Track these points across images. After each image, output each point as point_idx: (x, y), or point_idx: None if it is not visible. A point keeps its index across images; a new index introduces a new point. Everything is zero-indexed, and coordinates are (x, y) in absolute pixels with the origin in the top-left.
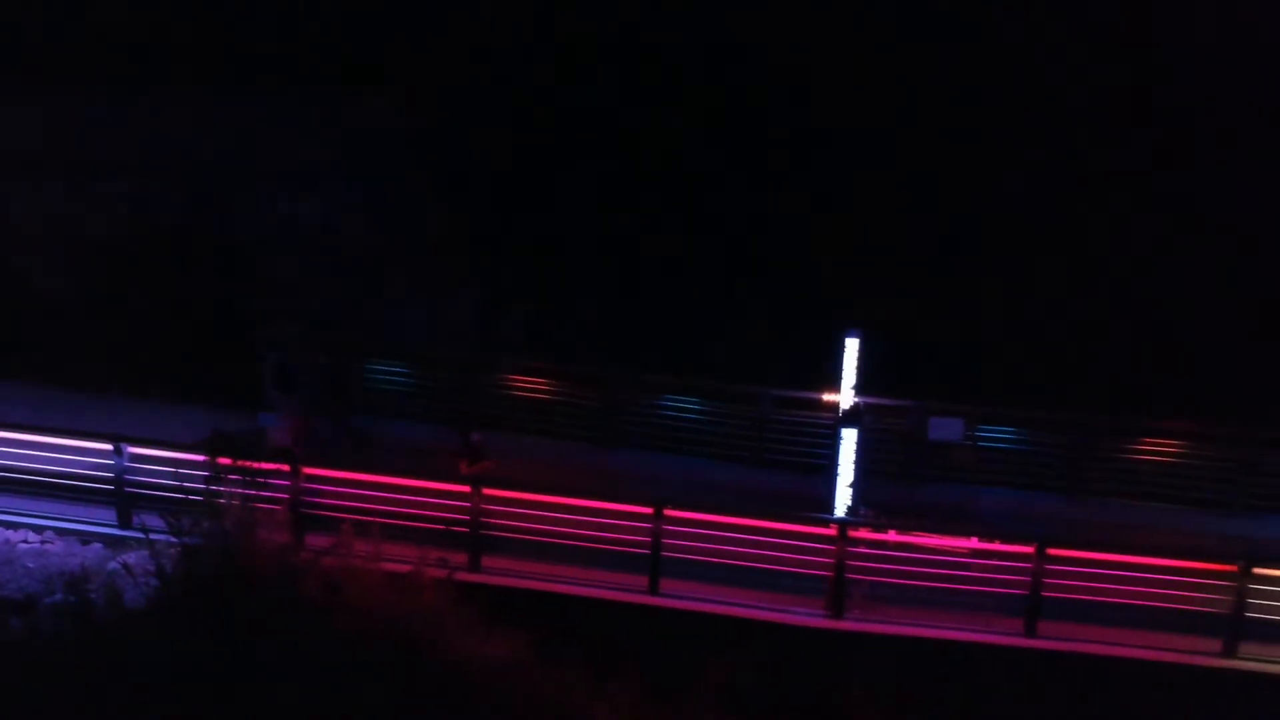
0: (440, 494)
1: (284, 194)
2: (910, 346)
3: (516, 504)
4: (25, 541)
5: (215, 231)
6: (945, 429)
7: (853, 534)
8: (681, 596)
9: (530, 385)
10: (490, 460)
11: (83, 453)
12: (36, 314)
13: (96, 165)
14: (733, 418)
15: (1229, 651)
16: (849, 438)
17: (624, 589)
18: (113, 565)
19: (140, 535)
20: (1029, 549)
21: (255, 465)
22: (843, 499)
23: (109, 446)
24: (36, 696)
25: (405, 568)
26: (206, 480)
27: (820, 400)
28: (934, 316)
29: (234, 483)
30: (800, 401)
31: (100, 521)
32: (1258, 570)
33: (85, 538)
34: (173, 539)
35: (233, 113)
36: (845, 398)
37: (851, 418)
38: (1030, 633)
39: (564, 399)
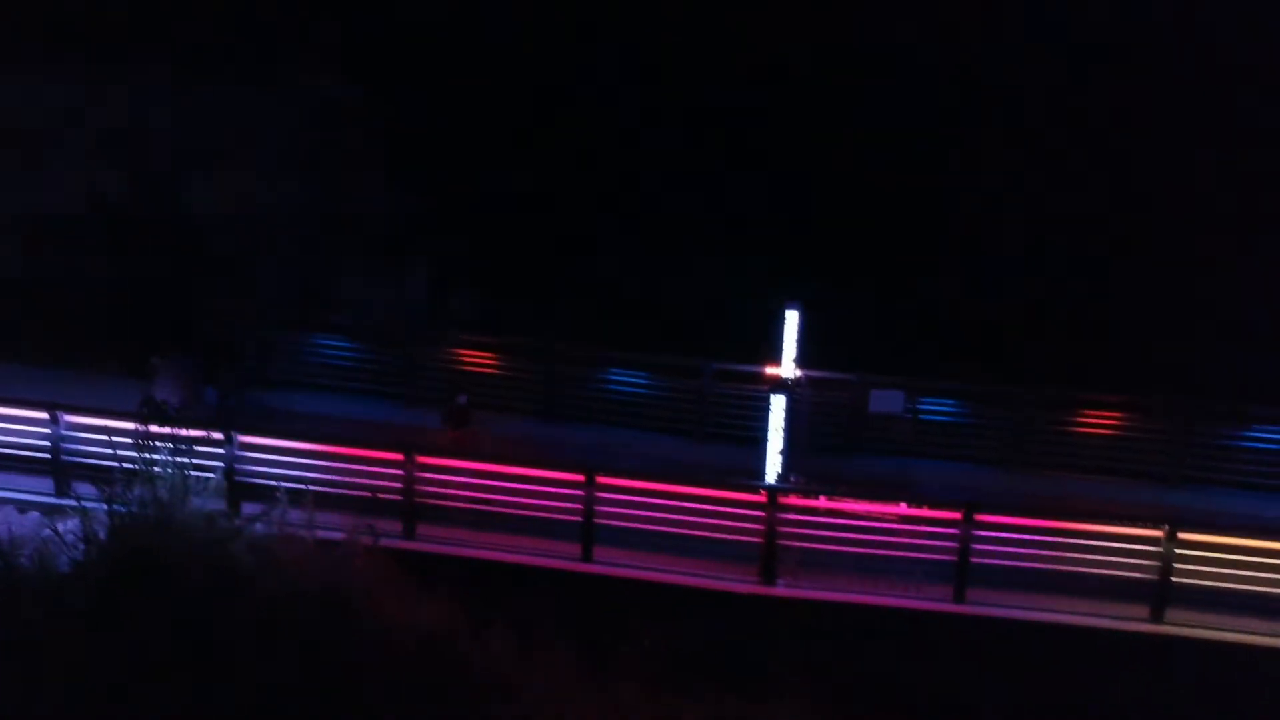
0: (374, 462)
1: (229, 170)
2: (854, 321)
3: (450, 472)
4: None
5: (161, 208)
6: (886, 401)
7: (782, 500)
8: (614, 564)
9: (473, 359)
10: (476, 425)
11: (23, 423)
12: None
13: (42, 143)
14: (675, 391)
15: (1156, 617)
16: (778, 405)
17: (557, 556)
18: (45, 533)
19: (73, 503)
20: (957, 514)
21: (187, 433)
22: (773, 466)
23: (45, 415)
24: None
25: (338, 535)
26: (139, 448)
27: (762, 373)
28: (879, 291)
29: (166, 450)
30: (742, 375)
31: (38, 491)
32: (1183, 535)
33: (23, 506)
34: (107, 506)
35: (176, 89)
36: (786, 370)
37: (781, 386)
38: (959, 599)
39: (507, 373)
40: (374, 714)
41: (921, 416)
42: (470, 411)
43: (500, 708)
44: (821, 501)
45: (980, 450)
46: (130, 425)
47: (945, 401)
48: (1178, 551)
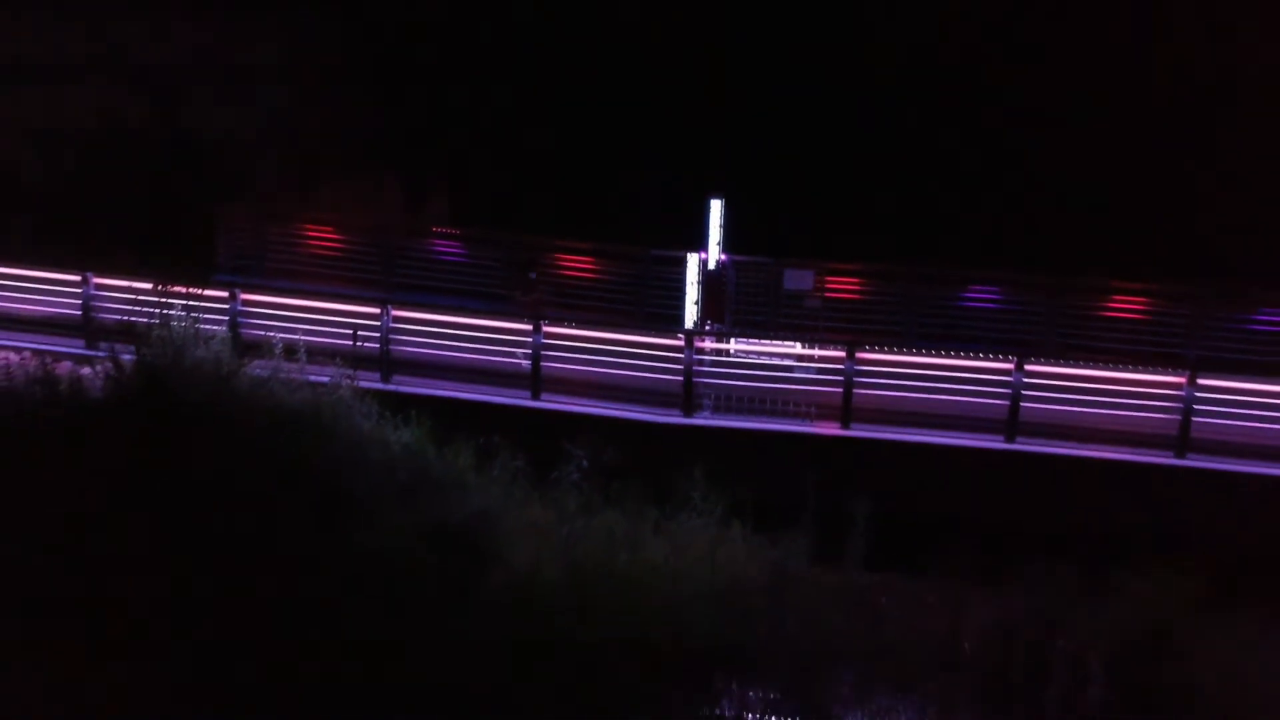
0: (356, 315)
1: (232, 94)
2: (777, 210)
3: (423, 324)
4: (5, 360)
5: (171, 127)
6: (798, 279)
7: (698, 342)
8: (557, 402)
9: (445, 250)
10: (541, 293)
11: (57, 296)
12: (13, 202)
13: (63, 69)
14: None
15: None
16: (693, 263)
17: (511, 396)
18: (81, 370)
19: (104, 354)
20: (841, 352)
21: (199, 292)
22: (690, 316)
23: (78, 277)
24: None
25: (325, 379)
26: (157, 306)
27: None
28: (801, 182)
29: (181, 307)
30: (676, 259)
31: (71, 346)
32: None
33: (58, 357)
34: (129, 352)
35: (183, 23)
36: (711, 256)
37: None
38: (844, 423)
39: (472, 260)
40: (354, 505)
41: (827, 293)
42: (538, 283)
43: (460, 503)
44: (731, 344)
45: (879, 325)
46: (149, 286)
47: (849, 281)
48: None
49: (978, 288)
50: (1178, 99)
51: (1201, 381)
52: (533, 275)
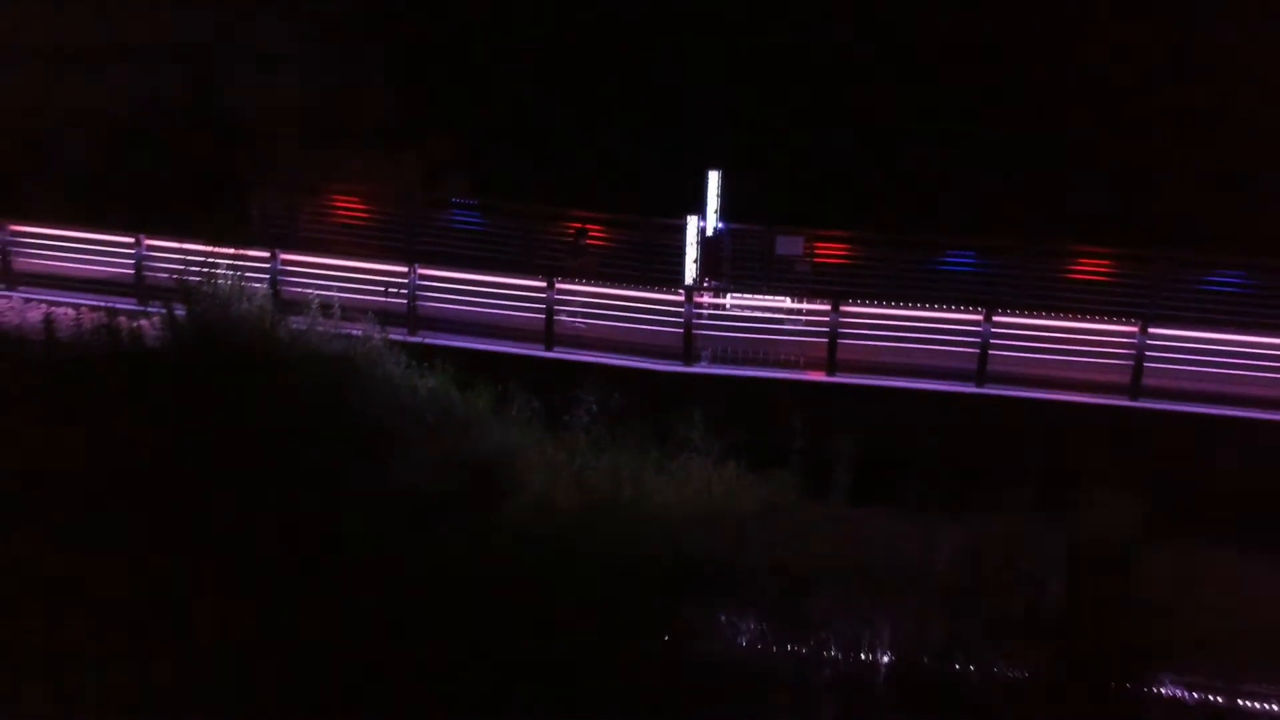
0: (386, 274)
1: (264, 75)
2: (770, 181)
3: (446, 281)
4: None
5: (206, 105)
6: (789, 245)
7: (697, 297)
8: (569, 352)
9: (462, 219)
10: (590, 255)
11: (110, 257)
12: (60, 176)
13: (103, 50)
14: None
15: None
16: (692, 225)
17: (527, 347)
18: (135, 323)
19: (157, 310)
20: (827, 304)
21: (242, 252)
22: (690, 273)
23: (131, 239)
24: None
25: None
26: (204, 266)
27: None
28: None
29: (227, 266)
30: (677, 227)
31: (125, 303)
32: None
33: (114, 312)
34: (180, 308)
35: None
36: (709, 224)
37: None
38: (829, 370)
39: (493, 232)
40: (388, 440)
41: (816, 258)
42: (587, 246)
43: (481, 440)
44: (728, 298)
45: (864, 286)
46: (197, 247)
47: (838, 246)
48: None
49: (954, 252)
50: (1142, 72)
51: (1152, 330)
52: (583, 242)
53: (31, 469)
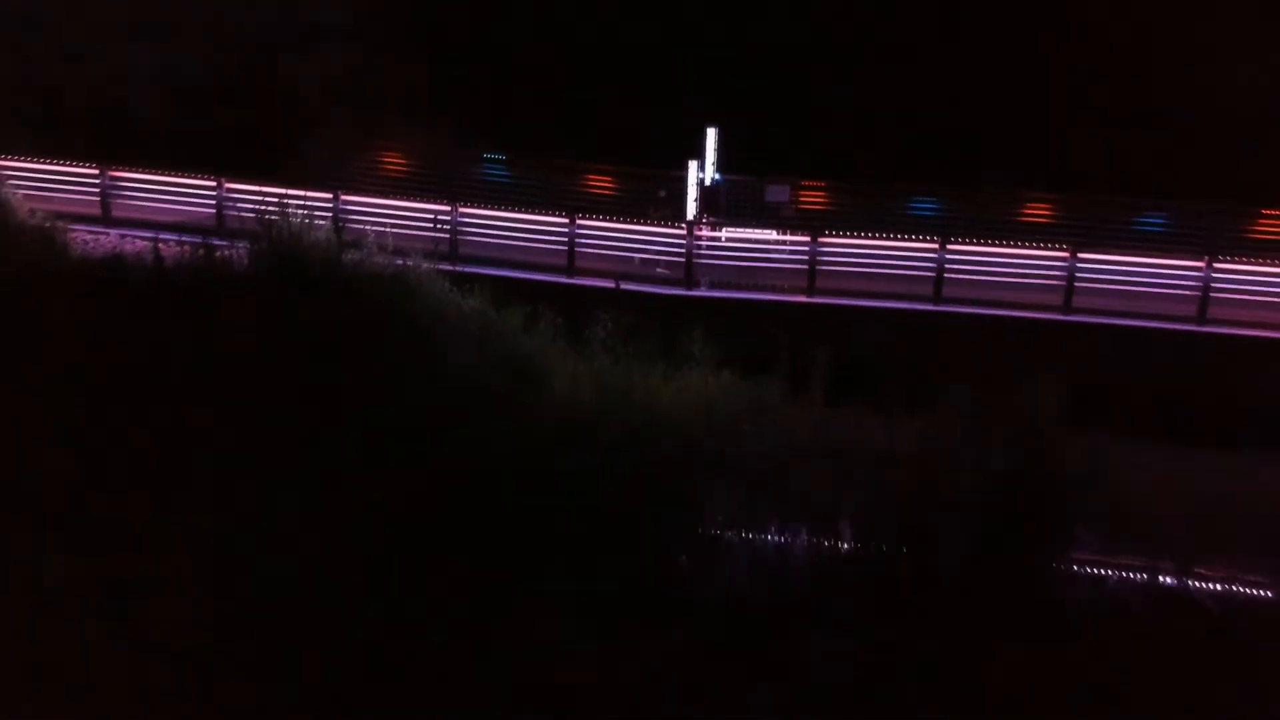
0: (432, 212)
1: (317, 47)
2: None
3: (482, 218)
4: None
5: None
6: (777, 193)
7: (697, 230)
8: (588, 276)
9: (490, 173)
10: (667, 208)
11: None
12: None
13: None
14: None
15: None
16: (693, 170)
17: (551, 274)
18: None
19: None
20: (807, 236)
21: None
22: (691, 210)
23: (213, 182)
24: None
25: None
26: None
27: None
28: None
29: (294, 208)
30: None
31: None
32: None
33: (203, 246)
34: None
35: None
36: (707, 175)
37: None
38: (809, 292)
39: (518, 182)
40: (439, 346)
41: (801, 204)
42: (667, 199)
43: (516, 349)
44: (724, 231)
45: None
46: (271, 189)
47: (819, 192)
48: None
49: (919, 198)
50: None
51: (1081, 255)
52: (662, 194)
53: (158, 359)
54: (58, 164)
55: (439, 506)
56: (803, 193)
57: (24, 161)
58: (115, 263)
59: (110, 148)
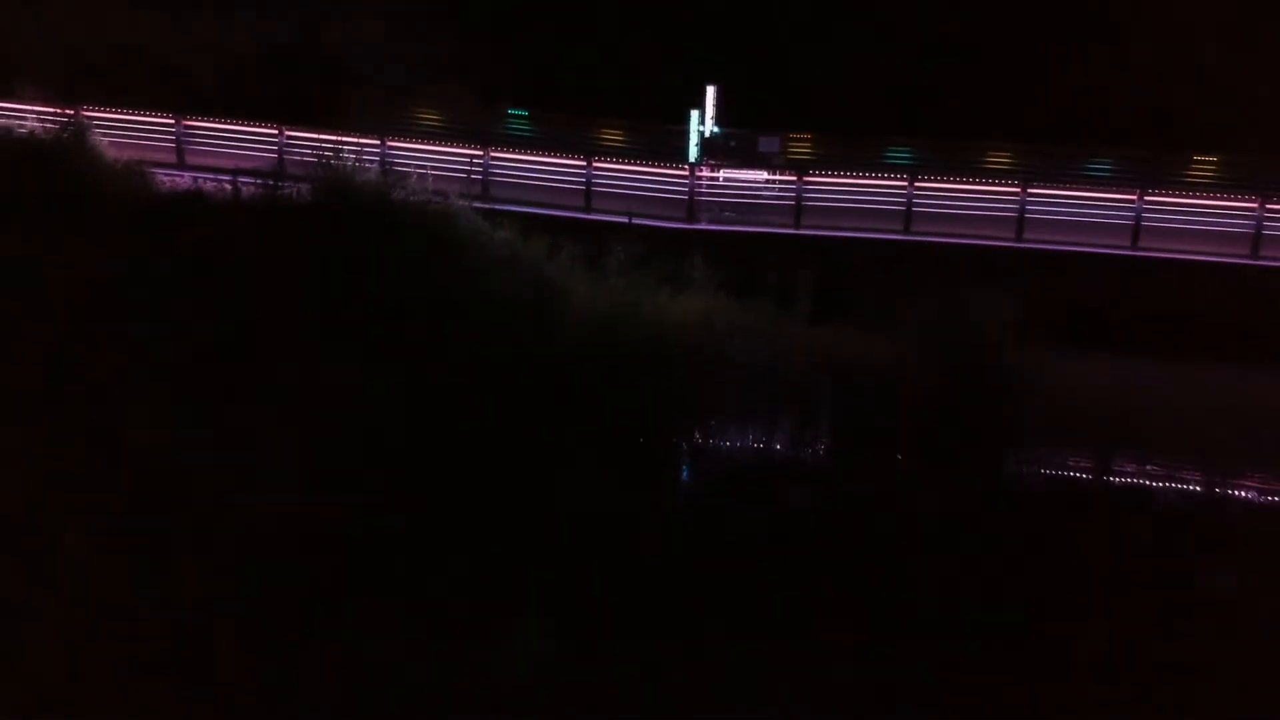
0: (467, 155)
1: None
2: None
3: (510, 161)
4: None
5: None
6: (768, 144)
7: (698, 172)
8: (602, 212)
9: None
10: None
11: (259, 146)
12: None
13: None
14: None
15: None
16: (694, 119)
17: (570, 210)
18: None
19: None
20: (794, 176)
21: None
22: (693, 153)
23: (275, 130)
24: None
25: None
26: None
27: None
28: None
29: (348, 153)
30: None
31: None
32: None
33: (268, 186)
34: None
35: None
36: (707, 128)
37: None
38: (796, 225)
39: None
40: (476, 267)
41: (790, 155)
42: (736, 149)
43: (540, 278)
44: (721, 172)
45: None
46: (325, 136)
47: (805, 145)
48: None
49: (895, 148)
50: None
51: (1030, 190)
52: (732, 144)
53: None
54: (137, 114)
55: (477, 389)
56: (792, 144)
57: (106, 112)
58: (197, 196)
59: (178, 105)
